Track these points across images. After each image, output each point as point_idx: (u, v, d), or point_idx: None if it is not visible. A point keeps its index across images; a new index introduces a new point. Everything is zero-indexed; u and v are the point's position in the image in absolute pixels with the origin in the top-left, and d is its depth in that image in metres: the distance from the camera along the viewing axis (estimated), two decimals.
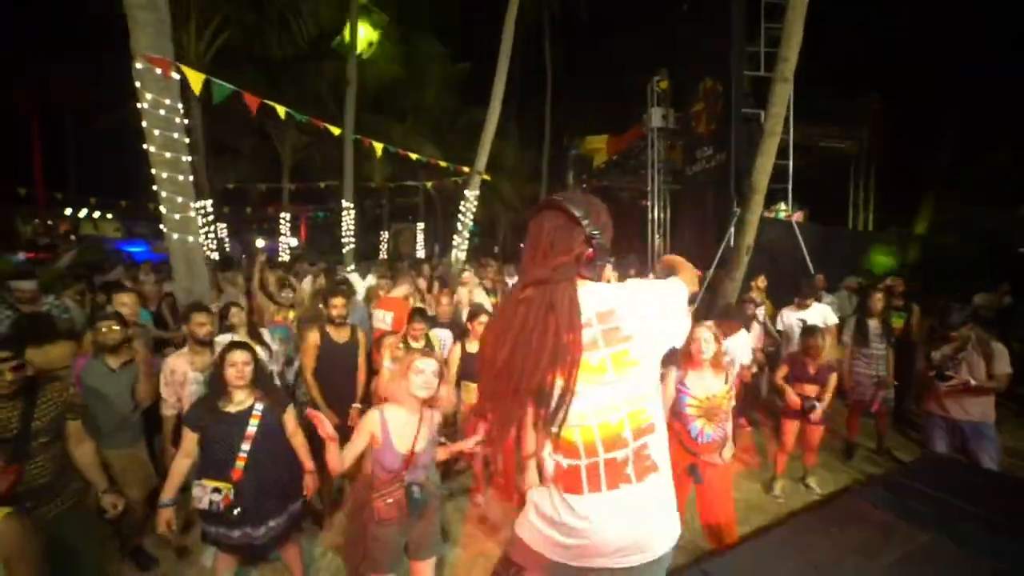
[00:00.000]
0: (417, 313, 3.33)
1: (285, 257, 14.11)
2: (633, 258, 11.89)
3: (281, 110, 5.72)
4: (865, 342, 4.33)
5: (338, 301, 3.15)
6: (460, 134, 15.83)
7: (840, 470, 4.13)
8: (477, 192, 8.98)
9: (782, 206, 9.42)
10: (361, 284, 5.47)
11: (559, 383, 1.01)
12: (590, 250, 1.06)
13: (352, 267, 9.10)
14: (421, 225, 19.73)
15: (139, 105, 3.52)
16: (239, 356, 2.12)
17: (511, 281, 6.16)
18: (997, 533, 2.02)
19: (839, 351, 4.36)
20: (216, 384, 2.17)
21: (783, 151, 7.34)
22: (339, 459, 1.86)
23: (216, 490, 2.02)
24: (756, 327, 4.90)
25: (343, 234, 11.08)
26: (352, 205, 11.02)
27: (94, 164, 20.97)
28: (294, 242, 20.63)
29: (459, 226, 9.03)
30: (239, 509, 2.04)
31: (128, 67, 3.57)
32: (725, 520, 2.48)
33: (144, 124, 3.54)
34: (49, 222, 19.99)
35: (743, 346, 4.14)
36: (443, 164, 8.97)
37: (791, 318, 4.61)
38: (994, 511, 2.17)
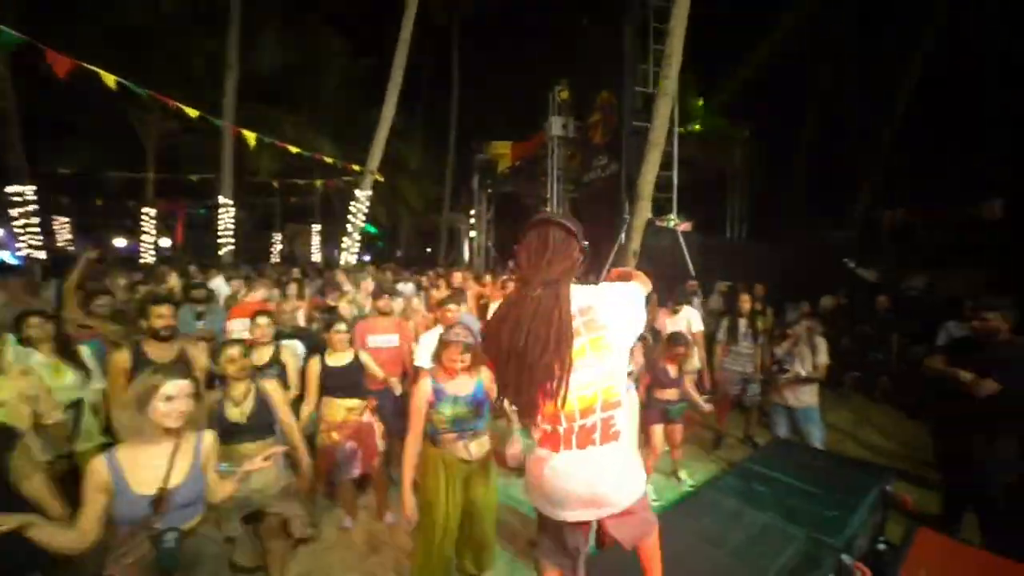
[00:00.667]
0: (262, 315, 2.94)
1: (149, 258, 12.23)
2: None
3: (110, 79, 4.66)
4: (735, 340, 4.71)
5: (162, 310, 2.62)
6: (363, 133, 15.04)
7: (709, 460, 4.41)
8: (370, 192, 8.49)
9: (672, 216, 10.21)
10: (225, 290, 4.74)
11: (562, 363, 1.26)
12: (581, 258, 1.37)
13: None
14: (317, 227, 18.40)
15: None
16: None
17: (404, 287, 5.75)
18: (816, 505, 2.28)
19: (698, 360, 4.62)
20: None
21: (668, 164, 7.93)
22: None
23: None
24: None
25: (220, 233, 9.86)
26: (231, 202, 9.87)
27: None
28: (165, 242, 18.10)
29: (349, 227, 8.44)
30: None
31: None
32: None
33: None
34: None
35: None
36: (329, 160, 8.29)
37: (663, 322, 4.84)
38: (816, 485, 2.45)
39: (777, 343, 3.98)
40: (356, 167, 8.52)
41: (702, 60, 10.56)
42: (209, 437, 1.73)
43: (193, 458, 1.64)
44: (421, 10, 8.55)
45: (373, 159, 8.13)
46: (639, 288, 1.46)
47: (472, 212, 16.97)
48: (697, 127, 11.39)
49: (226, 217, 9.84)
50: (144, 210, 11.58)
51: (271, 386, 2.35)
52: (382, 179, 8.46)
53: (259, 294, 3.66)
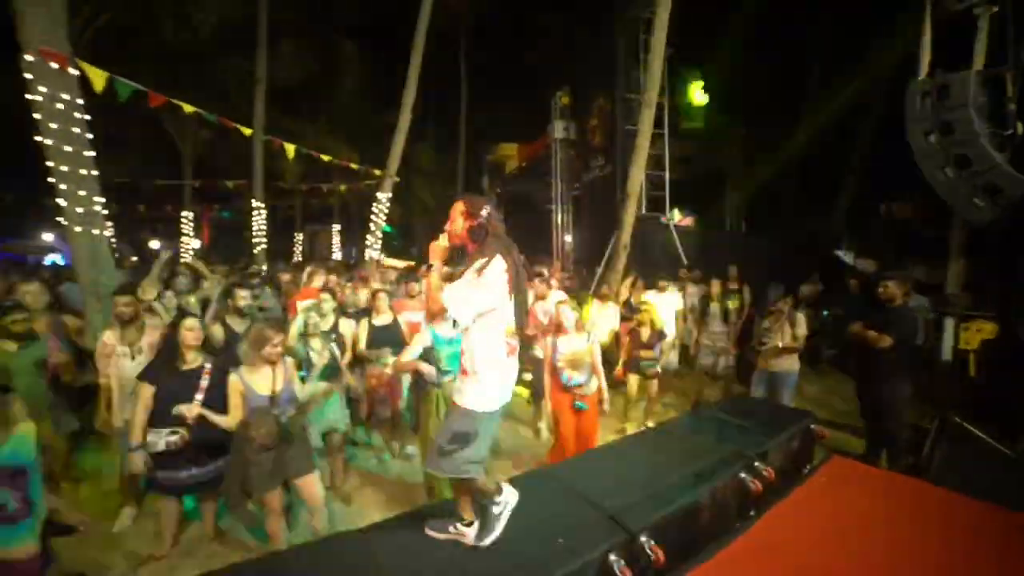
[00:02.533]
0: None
1: (187, 258, 13.26)
2: (543, 258, 12.83)
3: (188, 108, 5.69)
4: (706, 322, 5.45)
5: (243, 292, 3.52)
6: (376, 136, 15.91)
7: None
8: (390, 195, 9.30)
9: (676, 213, 10.86)
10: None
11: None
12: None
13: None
14: (337, 227, 19.37)
15: (31, 98, 3.51)
16: (191, 323, 2.62)
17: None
18: (742, 432, 3.05)
19: (682, 328, 5.44)
20: (170, 348, 2.59)
21: (660, 164, 8.61)
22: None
23: (173, 432, 2.44)
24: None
25: (254, 234, 10.80)
26: (263, 205, 10.79)
27: None
28: (197, 243, 19.26)
29: (372, 227, 9.28)
30: (192, 447, 2.52)
31: None
32: (592, 437, 3.37)
33: (38, 117, 3.55)
34: None
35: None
36: (354, 167, 9.16)
37: (648, 297, 5.59)
38: (748, 421, 3.21)
39: (759, 320, 4.65)
40: (377, 172, 9.36)
41: (702, 60, 11.19)
42: (291, 363, 2.63)
43: (285, 375, 2.54)
44: (431, 18, 9.16)
45: (392, 164, 8.93)
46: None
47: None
48: (696, 124, 11.96)
49: (258, 219, 10.78)
50: (183, 214, 12.60)
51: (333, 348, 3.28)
52: (399, 180, 9.24)
53: (318, 281, 4.55)
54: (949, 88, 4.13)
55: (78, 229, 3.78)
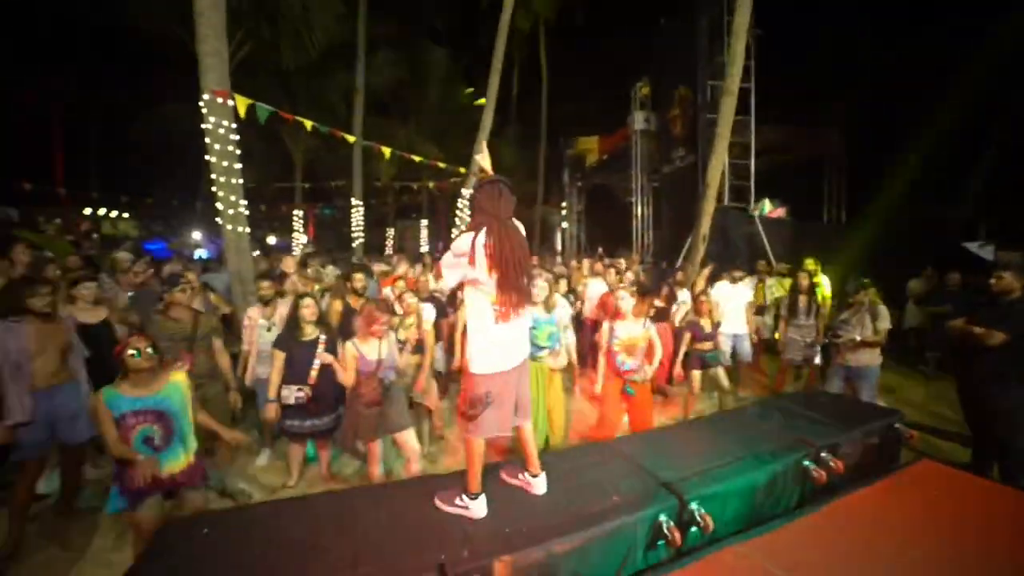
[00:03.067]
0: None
1: (298, 251, 15.07)
2: (623, 250, 12.78)
3: (308, 124, 6.66)
4: (795, 315, 5.25)
5: (359, 276, 4.19)
6: (461, 133, 16.75)
7: None
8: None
9: (766, 203, 10.27)
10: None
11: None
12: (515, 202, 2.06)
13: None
14: (425, 222, 20.67)
15: (203, 126, 4.48)
16: (307, 301, 3.28)
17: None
18: (812, 423, 3.06)
19: (757, 321, 5.31)
20: (292, 323, 3.25)
21: (746, 152, 8.25)
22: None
23: (300, 390, 3.13)
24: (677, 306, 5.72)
25: (353, 230, 12.05)
26: (361, 203, 11.98)
27: (116, 168, 22.13)
28: (304, 238, 21.65)
29: (457, 221, 9.95)
30: (313, 403, 3.20)
31: (152, 81, 4.45)
32: (645, 421, 3.52)
33: (207, 141, 4.50)
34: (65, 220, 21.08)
35: None
36: (442, 166, 9.92)
37: (720, 287, 5.49)
38: (820, 413, 3.19)
39: (839, 313, 4.47)
40: (462, 170, 10.01)
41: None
42: (392, 336, 3.17)
43: (388, 346, 3.07)
44: (511, 17, 9.46)
45: (475, 162, 9.46)
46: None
47: (563, 204, 17.97)
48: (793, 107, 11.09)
49: (357, 216, 11.99)
50: (295, 212, 14.35)
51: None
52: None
53: (400, 269, 5.17)
54: None
55: (228, 227, 4.72)
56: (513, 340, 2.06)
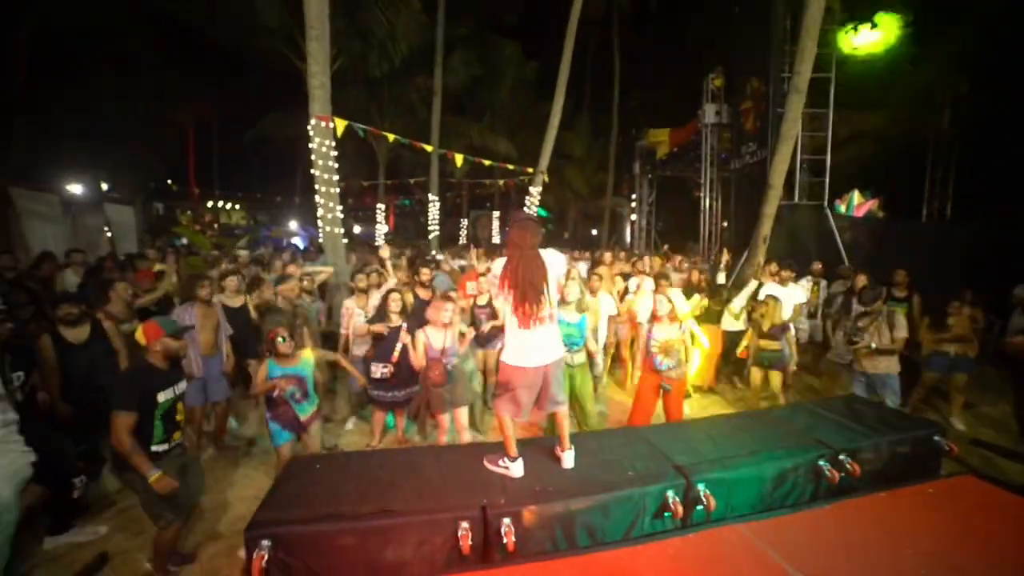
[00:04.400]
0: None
1: (380, 241, 16.53)
2: (691, 245, 12.60)
3: (391, 137, 7.58)
4: (848, 316, 5.18)
5: (426, 270, 4.94)
6: (532, 128, 17.18)
7: None
8: (540, 188, 10.35)
9: (855, 195, 9.64)
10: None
11: (543, 288, 2.50)
12: (542, 235, 2.57)
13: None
14: (497, 213, 21.48)
15: (310, 146, 5.42)
16: (394, 295, 3.97)
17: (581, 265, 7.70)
18: (839, 427, 3.20)
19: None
20: (381, 312, 3.99)
21: (821, 148, 7.89)
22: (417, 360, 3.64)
23: (385, 366, 3.87)
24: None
25: (429, 222, 13.07)
26: (437, 198, 12.93)
27: (233, 168, 25.64)
28: (385, 228, 23.43)
29: (527, 211, 10.49)
30: (395, 378, 3.92)
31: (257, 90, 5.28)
32: (677, 414, 3.88)
33: (312, 157, 5.44)
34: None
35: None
36: (511, 168, 10.58)
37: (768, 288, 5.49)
38: (851, 420, 3.33)
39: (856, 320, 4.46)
40: (530, 169, 10.51)
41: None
42: (457, 327, 3.78)
43: (453, 336, 3.69)
44: (584, 7, 9.56)
45: (543, 160, 9.93)
46: (561, 256, 2.65)
47: (633, 196, 17.84)
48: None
49: (433, 210, 12.97)
50: (377, 206, 15.74)
51: None
52: (547, 180, 10.23)
53: (482, 266, 5.79)
54: None
55: (327, 229, 5.67)
56: (534, 344, 2.54)
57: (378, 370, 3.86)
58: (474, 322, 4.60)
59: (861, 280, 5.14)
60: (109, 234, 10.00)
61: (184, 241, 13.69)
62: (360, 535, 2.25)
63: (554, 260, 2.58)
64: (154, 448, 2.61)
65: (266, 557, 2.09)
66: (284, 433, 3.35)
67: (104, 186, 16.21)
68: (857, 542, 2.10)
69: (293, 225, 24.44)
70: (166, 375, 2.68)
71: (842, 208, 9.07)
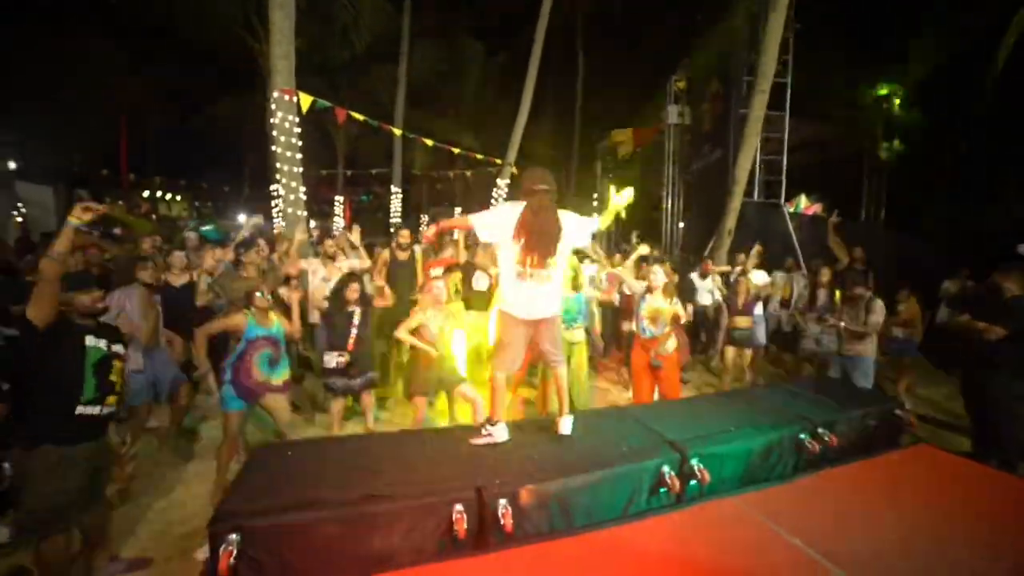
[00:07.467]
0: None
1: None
2: (651, 243, 12.85)
3: (360, 117, 7.20)
4: (812, 306, 5.44)
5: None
6: (497, 123, 17.10)
7: None
8: (508, 181, 10.28)
9: (802, 199, 10.24)
10: None
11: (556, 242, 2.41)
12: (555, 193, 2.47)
13: None
14: (459, 209, 21.20)
15: (271, 120, 5.04)
16: (354, 286, 3.79)
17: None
18: (813, 403, 3.33)
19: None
20: (339, 299, 3.79)
21: (776, 149, 8.30)
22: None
23: (340, 355, 3.65)
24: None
25: (391, 215, 12.67)
26: (400, 190, 12.58)
27: (175, 157, 23.83)
28: (341, 223, 22.62)
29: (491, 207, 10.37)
30: (350, 366, 3.70)
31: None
32: (673, 391, 3.89)
33: (274, 133, 5.06)
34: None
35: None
36: (479, 157, 10.45)
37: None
38: (822, 395, 3.47)
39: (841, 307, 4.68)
40: (498, 160, 10.42)
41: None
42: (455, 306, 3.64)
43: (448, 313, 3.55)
44: (550, 11, 9.64)
45: (511, 152, 9.87)
46: (586, 220, 2.60)
47: (595, 196, 18.11)
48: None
49: (395, 202, 12.59)
50: (336, 198, 15.14)
51: None
52: (516, 172, 10.20)
53: (447, 253, 5.63)
54: None
55: (289, 210, 5.30)
56: (529, 297, 2.47)
57: (332, 359, 3.66)
58: None
59: (826, 274, 5.39)
60: (20, 218, 8.98)
61: (117, 231, 12.52)
62: (342, 524, 2.04)
63: (571, 225, 2.48)
64: (81, 410, 2.23)
65: (234, 553, 1.83)
66: (237, 400, 3.20)
67: (12, 164, 14.48)
68: (842, 508, 2.25)
69: (242, 218, 23.08)
70: (91, 329, 2.38)
71: (790, 210, 9.60)
